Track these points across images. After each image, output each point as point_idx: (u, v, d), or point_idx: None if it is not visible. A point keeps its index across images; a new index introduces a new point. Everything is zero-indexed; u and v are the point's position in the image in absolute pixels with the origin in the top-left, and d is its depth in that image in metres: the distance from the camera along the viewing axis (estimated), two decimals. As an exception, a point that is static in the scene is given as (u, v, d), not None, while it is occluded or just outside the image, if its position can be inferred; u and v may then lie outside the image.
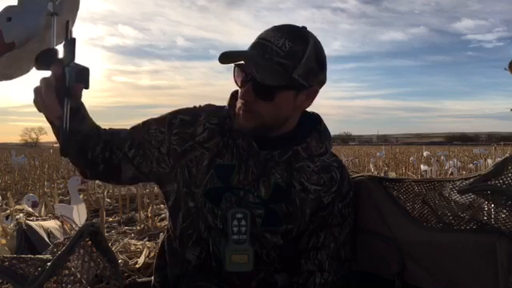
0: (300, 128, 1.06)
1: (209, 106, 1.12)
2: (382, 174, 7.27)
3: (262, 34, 0.97)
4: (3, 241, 1.88)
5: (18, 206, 2.73)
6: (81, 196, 3.77)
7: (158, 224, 3.89)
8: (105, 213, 3.30)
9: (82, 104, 0.99)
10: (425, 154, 15.14)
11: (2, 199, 4.45)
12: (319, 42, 1.00)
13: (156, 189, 4.71)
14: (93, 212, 4.31)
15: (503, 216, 0.89)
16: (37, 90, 0.86)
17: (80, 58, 0.93)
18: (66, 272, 0.74)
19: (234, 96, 1.08)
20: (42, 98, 0.84)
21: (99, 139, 1.04)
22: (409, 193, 1.07)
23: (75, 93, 0.87)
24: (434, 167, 8.45)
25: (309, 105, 1.05)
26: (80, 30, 0.98)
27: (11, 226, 1.96)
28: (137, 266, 2.27)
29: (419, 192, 1.05)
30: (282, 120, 1.02)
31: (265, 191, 1.01)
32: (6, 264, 0.73)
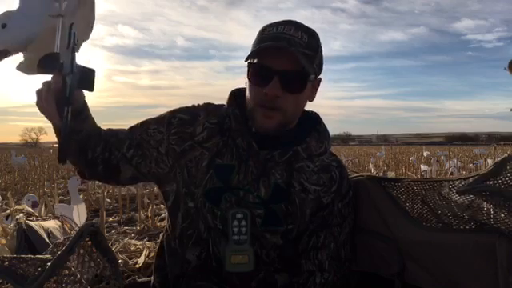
0: (300, 127, 1.06)
1: (208, 104, 1.11)
2: (382, 174, 7.27)
3: (271, 28, 0.97)
4: (3, 241, 1.88)
5: (18, 206, 2.73)
6: (81, 196, 3.77)
7: (158, 224, 3.89)
8: (105, 213, 3.30)
9: (86, 104, 0.98)
10: (425, 154, 15.13)
11: (2, 199, 4.45)
12: None
13: (156, 189, 4.70)
14: (93, 212, 4.31)
15: (503, 216, 0.89)
16: (39, 93, 0.85)
17: (80, 58, 0.92)
18: (66, 272, 0.74)
19: (233, 95, 1.07)
20: (42, 103, 0.84)
21: (100, 139, 1.04)
22: (408, 193, 1.07)
23: (75, 101, 0.86)
24: (434, 167, 8.45)
25: (314, 97, 1.06)
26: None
27: (11, 226, 1.96)
28: (137, 266, 2.27)
29: (418, 192, 1.05)
30: (298, 115, 1.04)
31: (265, 191, 1.01)
32: (6, 264, 0.73)
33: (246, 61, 0.99)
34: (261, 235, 1.02)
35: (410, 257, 1.04)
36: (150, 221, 3.90)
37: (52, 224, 2.02)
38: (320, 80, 1.05)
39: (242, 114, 1.03)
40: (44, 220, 2.05)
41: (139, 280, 1.88)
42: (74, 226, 2.25)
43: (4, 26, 0.86)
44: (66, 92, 0.82)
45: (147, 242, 2.74)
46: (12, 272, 0.72)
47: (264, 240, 1.02)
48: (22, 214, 2.24)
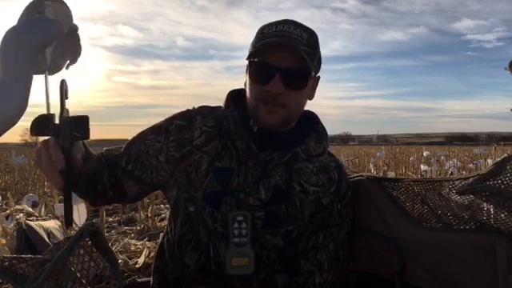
0: (299, 128, 1.06)
1: (203, 107, 1.11)
2: (382, 174, 7.27)
3: (271, 27, 0.98)
4: (3, 241, 1.88)
5: (18, 206, 2.74)
6: (81, 196, 3.76)
7: (158, 224, 3.89)
8: (105, 213, 3.30)
9: (85, 148, 0.92)
10: (425, 154, 15.13)
11: (2, 199, 4.45)
12: None
13: (156, 189, 4.69)
14: (93, 212, 4.30)
15: (502, 216, 0.89)
16: (38, 156, 0.82)
17: (80, 58, 0.90)
18: (66, 272, 0.74)
19: (231, 96, 1.07)
20: (44, 170, 0.81)
21: (104, 169, 1.02)
22: (408, 193, 1.07)
23: (77, 160, 0.83)
24: (434, 167, 8.45)
25: (313, 96, 1.07)
26: (80, 29, 0.92)
27: (11, 226, 1.96)
28: (137, 266, 2.26)
29: (419, 192, 1.05)
30: (300, 112, 1.04)
31: (265, 193, 1.01)
32: (5, 264, 0.73)
33: (247, 59, 0.99)
34: (261, 237, 1.02)
35: (410, 257, 1.04)
36: (150, 221, 3.90)
37: (52, 224, 2.02)
38: (319, 78, 1.05)
39: (240, 115, 1.03)
40: (44, 220, 2.05)
41: (139, 280, 1.88)
42: (74, 225, 2.25)
43: None
44: (67, 160, 0.79)
45: (147, 242, 2.74)
46: (12, 272, 0.72)
47: (264, 242, 1.02)
48: (22, 214, 2.25)
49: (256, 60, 0.97)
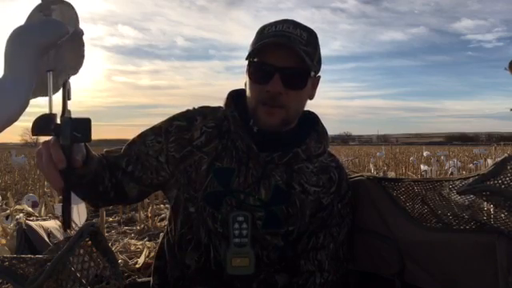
0: (299, 128, 1.06)
1: (203, 108, 1.10)
2: (382, 174, 7.27)
3: (270, 27, 0.98)
4: (3, 241, 1.88)
5: (18, 206, 2.74)
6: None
7: (158, 224, 3.89)
8: (105, 213, 3.30)
9: (86, 150, 0.91)
10: (425, 154, 15.13)
11: (2, 199, 4.45)
12: None
13: (156, 189, 4.69)
14: (93, 212, 4.30)
15: (503, 216, 0.89)
16: (39, 155, 0.81)
17: (83, 63, 0.90)
18: (66, 272, 0.74)
19: (231, 96, 1.07)
20: (44, 169, 0.80)
21: (104, 170, 1.01)
22: (408, 193, 1.07)
23: (78, 162, 0.83)
24: (434, 167, 8.45)
25: (314, 95, 1.07)
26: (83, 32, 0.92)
27: (11, 226, 1.96)
28: (137, 266, 2.26)
29: (419, 192, 1.05)
30: (300, 112, 1.04)
31: (265, 193, 1.01)
32: (5, 264, 0.73)
33: (246, 59, 0.99)
34: (262, 237, 1.02)
35: (410, 257, 1.04)
36: (150, 221, 3.90)
37: (52, 224, 2.02)
38: (319, 78, 1.05)
39: (240, 115, 1.03)
40: (44, 220, 2.05)
41: (139, 280, 1.88)
42: (74, 225, 2.25)
43: None
44: (68, 160, 0.79)
45: (147, 242, 2.74)
46: (12, 272, 0.72)
47: (265, 242, 1.02)
48: (22, 214, 2.25)
49: (255, 60, 0.98)
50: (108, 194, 1.02)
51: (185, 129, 1.05)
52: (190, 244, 1.04)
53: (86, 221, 2.97)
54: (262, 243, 1.02)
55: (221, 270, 1.01)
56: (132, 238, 3.31)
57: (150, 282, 1.18)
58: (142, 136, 1.07)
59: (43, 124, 0.79)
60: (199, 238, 1.03)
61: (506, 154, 0.91)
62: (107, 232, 3.78)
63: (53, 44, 0.82)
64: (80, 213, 3.00)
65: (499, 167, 0.88)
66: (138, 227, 3.87)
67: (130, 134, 1.11)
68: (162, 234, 1.18)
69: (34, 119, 0.79)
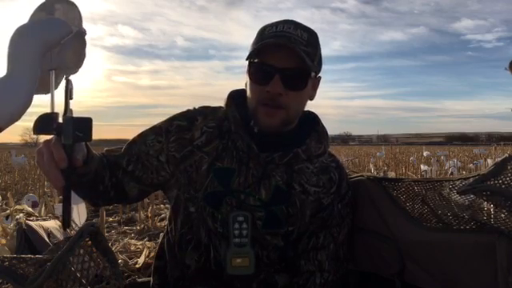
0: (299, 128, 1.06)
1: (204, 108, 1.10)
2: (382, 174, 7.27)
3: (271, 28, 0.98)
4: (3, 241, 1.88)
5: (18, 206, 2.73)
6: (81, 196, 3.75)
7: (158, 224, 3.89)
8: (105, 213, 3.30)
9: (87, 149, 0.91)
10: (425, 154, 15.14)
11: (2, 199, 4.45)
12: None
13: (156, 189, 4.68)
14: (93, 212, 4.30)
15: (503, 216, 0.89)
16: (40, 154, 0.81)
17: (83, 63, 0.90)
18: (66, 272, 0.73)
19: (232, 97, 1.07)
20: (45, 168, 0.80)
21: (105, 169, 1.01)
22: (408, 193, 1.07)
23: (78, 161, 0.83)
24: (434, 167, 8.45)
25: (314, 96, 1.06)
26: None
27: (11, 226, 1.96)
28: (137, 266, 2.26)
29: (419, 192, 1.05)
30: (300, 112, 1.04)
31: (265, 193, 1.01)
32: (5, 264, 0.73)
33: (246, 60, 0.99)
34: (262, 237, 1.02)
35: (410, 257, 1.04)
36: (150, 221, 3.90)
37: (52, 224, 2.02)
38: (320, 78, 1.05)
39: (241, 115, 1.03)
40: (44, 220, 2.05)
41: (139, 280, 1.88)
42: (74, 225, 2.25)
43: None
44: (69, 159, 0.79)
45: (147, 242, 2.74)
46: (12, 272, 0.72)
47: (265, 242, 1.02)
48: (22, 214, 2.25)
49: (256, 61, 0.98)
50: (108, 193, 1.02)
51: (185, 129, 1.05)
52: (190, 244, 1.04)
53: (86, 221, 2.97)
54: (261, 243, 1.02)
55: (221, 270, 1.01)
56: (132, 238, 3.30)
57: (150, 281, 1.18)
58: (143, 136, 1.07)
59: (45, 123, 0.79)
60: (199, 238, 1.03)
61: (506, 154, 0.91)
62: (107, 232, 3.78)
63: (56, 43, 0.82)
64: (80, 213, 3.00)
65: (499, 167, 0.88)
66: (138, 227, 3.87)
67: (130, 134, 1.11)
68: (162, 234, 1.18)
69: (34, 119, 0.79)
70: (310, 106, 1.08)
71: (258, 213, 1.00)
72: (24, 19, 0.85)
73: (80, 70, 0.90)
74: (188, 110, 1.10)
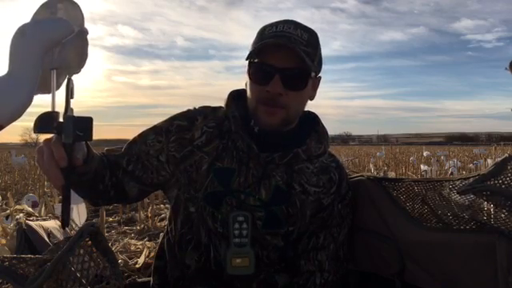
0: (299, 128, 1.06)
1: (204, 107, 1.10)
2: (382, 174, 7.27)
3: (271, 28, 0.97)
4: (3, 241, 1.88)
5: (18, 206, 2.73)
6: (81, 196, 3.75)
7: (158, 224, 3.89)
8: (105, 213, 3.30)
9: (88, 149, 0.91)
10: (425, 154, 15.14)
11: (2, 199, 4.45)
12: None
13: (156, 189, 4.68)
14: (93, 212, 4.30)
15: (503, 216, 0.89)
16: (40, 153, 0.81)
17: (86, 63, 0.90)
18: (66, 272, 0.73)
19: (232, 97, 1.07)
20: (45, 167, 0.80)
21: (105, 168, 1.01)
22: (408, 193, 1.07)
23: (78, 160, 0.83)
24: (434, 167, 8.45)
25: (314, 96, 1.06)
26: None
27: (11, 226, 1.96)
28: (137, 266, 2.26)
29: (419, 192, 1.05)
30: (300, 112, 1.04)
31: (265, 194, 1.01)
32: (5, 264, 0.73)
33: (246, 59, 0.99)
34: (262, 237, 1.02)
35: (410, 257, 1.04)
36: (150, 221, 3.90)
37: (52, 224, 2.02)
38: (320, 78, 1.05)
39: (241, 115, 1.03)
40: (44, 220, 2.05)
41: (139, 280, 1.88)
42: (74, 225, 2.25)
43: None
44: (69, 159, 0.79)
45: (147, 242, 2.74)
46: (12, 272, 0.72)
47: (265, 242, 1.02)
48: (22, 214, 2.25)
49: (256, 60, 0.97)
50: (108, 192, 1.02)
51: (185, 128, 1.05)
52: (190, 244, 1.04)
53: (86, 221, 2.97)
54: (261, 243, 1.02)
55: (221, 270, 1.01)
56: (132, 238, 3.30)
57: (150, 281, 1.18)
58: (143, 135, 1.07)
59: (45, 122, 0.79)
60: (199, 238, 1.03)
61: (506, 154, 0.91)
62: (107, 232, 3.78)
63: (58, 42, 0.82)
64: (80, 213, 3.00)
65: (499, 167, 0.88)
66: (138, 227, 3.87)
67: (130, 134, 1.11)
68: (162, 234, 1.18)
69: (35, 118, 0.79)
70: (310, 106, 1.08)
71: (258, 213, 1.00)
72: (25, 18, 0.85)
73: (82, 69, 0.90)
74: (188, 110, 1.10)
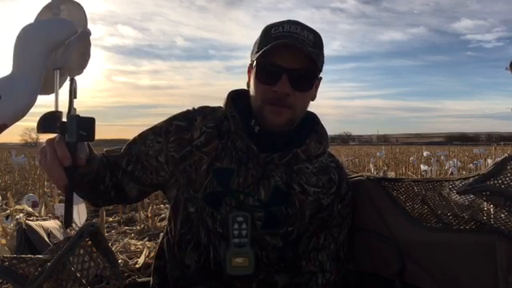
0: (299, 128, 1.06)
1: (203, 108, 1.10)
2: (382, 174, 7.27)
3: (278, 27, 0.97)
4: (3, 241, 1.88)
5: (18, 206, 2.73)
6: (81, 196, 3.75)
7: (158, 224, 3.89)
8: (105, 213, 3.29)
9: (90, 149, 0.92)
10: (425, 154, 15.14)
11: (2, 199, 4.45)
12: None
13: (156, 189, 4.68)
14: (93, 212, 4.30)
15: (503, 216, 0.89)
16: (43, 153, 0.81)
17: (88, 64, 0.90)
18: (66, 272, 0.73)
19: (231, 97, 1.07)
20: (48, 166, 0.80)
21: (106, 169, 1.01)
22: (408, 193, 1.07)
23: (82, 160, 0.83)
24: (434, 167, 8.45)
25: (316, 96, 1.06)
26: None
27: (11, 226, 1.96)
28: (137, 266, 2.26)
29: (419, 192, 1.05)
30: (304, 112, 1.05)
31: (265, 194, 1.01)
32: (5, 264, 0.73)
33: (253, 59, 0.99)
34: (261, 237, 1.02)
35: (410, 257, 1.04)
36: (150, 221, 3.90)
37: (52, 224, 2.02)
38: (321, 79, 1.05)
39: (240, 115, 1.03)
40: (44, 220, 2.05)
41: (139, 280, 1.88)
42: (73, 225, 2.25)
43: None
44: (72, 158, 0.79)
45: (147, 242, 2.74)
46: (12, 272, 0.72)
47: (264, 242, 1.02)
48: (22, 214, 2.24)
49: (263, 60, 0.97)
50: (108, 193, 1.02)
51: (185, 129, 1.05)
52: (189, 244, 1.04)
53: (85, 221, 2.97)
54: (261, 243, 1.02)
55: (220, 270, 1.01)
56: (132, 238, 3.30)
57: (149, 282, 1.18)
58: (142, 136, 1.07)
59: (49, 121, 0.80)
60: (199, 238, 1.03)
61: (505, 154, 0.91)
62: (107, 232, 3.78)
63: (61, 43, 0.82)
64: (80, 213, 3.00)
65: (499, 167, 0.88)
66: (138, 227, 3.87)
67: (130, 134, 1.11)
68: (161, 234, 1.18)
69: (36, 118, 0.80)
70: (310, 105, 1.08)
71: (258, 213, 1.00)
72: (24, 18, 0.86)
73: (84, 70, 0.90)
74: (187, 111, 1.10)
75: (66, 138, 0.79)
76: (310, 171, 1.05)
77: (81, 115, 0.81)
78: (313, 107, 1.10)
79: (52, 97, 0.85)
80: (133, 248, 2.61)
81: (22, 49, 0.79)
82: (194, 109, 1.10)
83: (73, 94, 0.82)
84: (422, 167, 8.79)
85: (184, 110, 1.10)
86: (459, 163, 10.04)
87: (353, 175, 1.20)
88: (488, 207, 0.93)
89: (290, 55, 0.94)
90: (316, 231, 1.06)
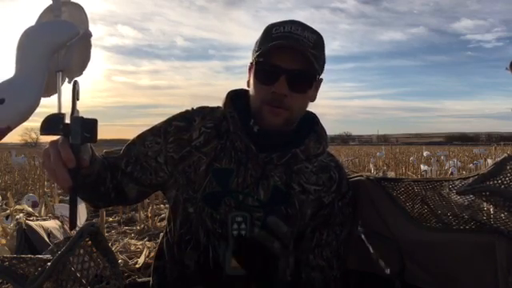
0: (298, 128, 1.06)
1: (202, 108, 1.10)
2: (382, 174, 7.27)
3: (279, 27, 0.97)
4: (3, 241, 1.88)
5: (18, 206, 2.73)
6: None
7: (158, 224, 3.89)
8: (105, 213, 3.29)
9: (92, 151, 0.92)
10: (425, 154, 15.14)
11: (2, 199, 4.45)
12: None
13: (156, 189, 4.67)
14: (93, 212, 4.29)
15: (502, 216, 0.89)
16: (46, 155, 0.81)
17: (88, 65, 0.90)
18: (66, 272, 0.74)
19: (230, 97, 1.07)
20: (52, 168, 0.80)
21: (106, 170, 1.01)
22: (408, 193, 1.07)
23: (85, 161, 0.83)
24: (434, 167, 8.45)
25: (315, 97, 1.06)
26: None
27: (11, 226, 1.96)
28: (137, 266, 2.27)
29: (419, 192, 1.05)
30: (302, 114, 1.04)
31: (264, 194, 1.01)
32: (6, 264, 0.73)
33: (254, 59, 0.99)
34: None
35: (410, 257, 1.04)
36: (150, 221, 3.90)
37: (52, 224, 2.02)
38: (321, 80, 1.05)
39: (240, 115, 1.03)
40: (44, 220, 2.05)
41: (139, 280, 1.88)
42: (74, 226, 2.24)
43: (2, 101, 0.77)
44: (76, 160, 0.79)
45: (147, 242, 2.74)
46: (12, 272, 0.72)
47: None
48: (22, 214, 2.24)
49: (262, 60, 0.97)
50: (109, 194, 1.03)
51: (184, 129, 1.05)
52: (189, 244, 1.04)
53: (86, 221, 2.97)
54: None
55: (220, 271, 1.01)
56: (132, 238, 3.31)
57: (149, 282, 1.18)
58: (142, 137, 1.07)
59: (52, 123, 0.79)
60: (198, 238, 1.03)
61: (505, 154, 0.91)
62: (107, 232, 3.78)
63: (64, 44, 0.82)
64: (80, 213, 3.00)
65: (499, 167, 0.88)
66: (138, 227, 3.87)
67: (130, 135, 1.11)
68: (161, 234, 1.18)
69: (38, 119, 0.80)
70: (309, 105, 1.08)
71: (257, 213, 1.00)
72: (25, 18, 0.86)
73: (84, 72, 0.90)
74: (186, 111, 1.10)
75: (70, 140, 0.79)
76: (310, 170, 1.05)
77: (84, 117, 0.81)
78: (312, 107, 1.10)
79: (51, 97, 0.85)
80: (133, 248, 2.61)
81: (25, 51, 0.79)
82: (192, 109, 1.10)
83: (76, 95, 0.82)
84: (422, 167, 8.80)
85: (183, 110, 1.10)
86: (459, 163, 10.05)
87: (352, 175, 1.20)
88: (488, 207, 0.93)
89: (289, 56, 0.94)
90: (319, 227, 1.06)
